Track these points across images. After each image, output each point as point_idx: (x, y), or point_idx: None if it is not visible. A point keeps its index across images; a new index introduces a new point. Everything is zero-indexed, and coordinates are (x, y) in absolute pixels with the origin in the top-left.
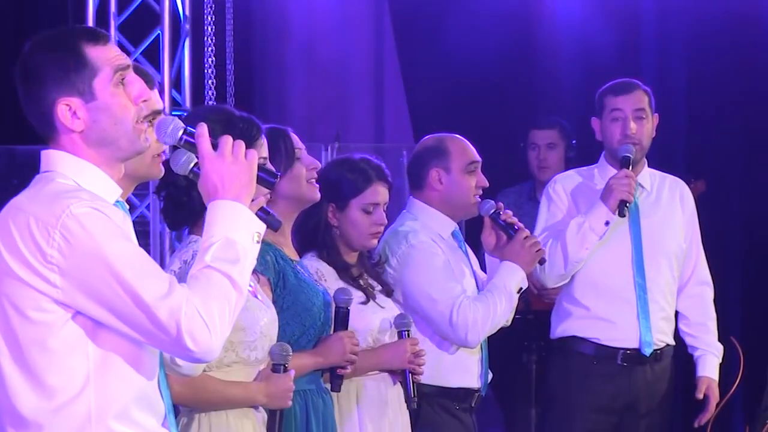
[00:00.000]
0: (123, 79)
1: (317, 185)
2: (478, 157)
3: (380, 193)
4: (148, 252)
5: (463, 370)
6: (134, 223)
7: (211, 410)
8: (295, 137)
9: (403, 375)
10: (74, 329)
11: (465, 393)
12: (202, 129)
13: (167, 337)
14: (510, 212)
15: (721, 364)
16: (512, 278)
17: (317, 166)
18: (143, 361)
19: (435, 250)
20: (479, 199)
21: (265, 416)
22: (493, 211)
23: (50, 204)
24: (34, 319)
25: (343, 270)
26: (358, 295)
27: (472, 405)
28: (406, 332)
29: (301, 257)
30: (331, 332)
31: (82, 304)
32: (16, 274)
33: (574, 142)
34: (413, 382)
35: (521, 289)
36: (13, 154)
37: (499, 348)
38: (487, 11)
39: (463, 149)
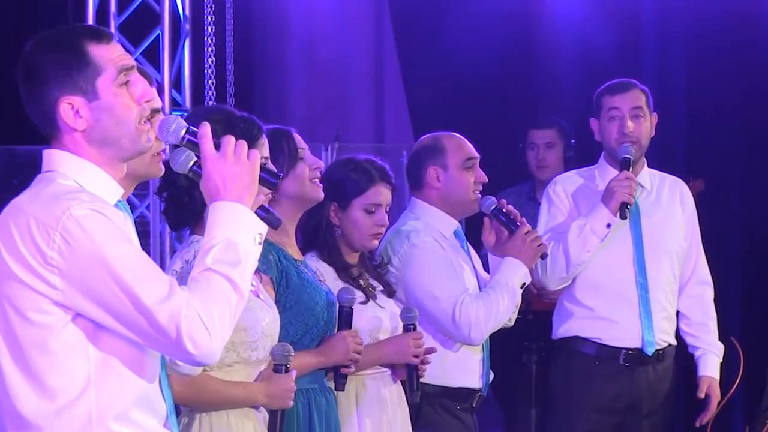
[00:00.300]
0: (127, 80)
1: (320, 185)
2: (475, 153)
3: (383, 193)
4: (148, 252)
5: (465, 369)
6: (134, 223)
7: (211, 410)
8: (298, 137)
9: (406, 368)
10: (74, 331)
11: (467, 393)
12: (205, 129)
13: (167, 340)
14: (511, 207)
15: (721, 364)
16: (514, 274)
17: (320, 166)
18: (144, 362)
19: (437, 249)
20: (479, 196)
21: (266, 416)
22: (494, 207)
23: (50, 205)
24: (34, 320)
25: (342, 270)
26: (357, 295)
27: (473, 405)
28: (412, 326)
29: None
30: (335, 331)
31: (82, 306)
32: (16, 276)
33: (573, 141)
34: (417, 376)
35: (524, 284)
36: (13, 154)
37: (500, 348)
38: (487, 11)
39: (460, 146)
